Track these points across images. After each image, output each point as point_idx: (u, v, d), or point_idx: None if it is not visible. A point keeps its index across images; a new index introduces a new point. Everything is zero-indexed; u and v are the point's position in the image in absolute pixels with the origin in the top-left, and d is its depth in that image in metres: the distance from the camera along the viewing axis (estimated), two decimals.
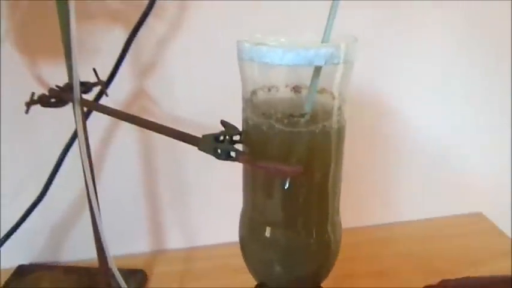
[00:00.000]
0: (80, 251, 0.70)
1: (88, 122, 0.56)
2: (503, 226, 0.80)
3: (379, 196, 0.81)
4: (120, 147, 0.69)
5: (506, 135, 0.80)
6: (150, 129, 0.43)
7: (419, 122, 0.77)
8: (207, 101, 0.66)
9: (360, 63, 0.39)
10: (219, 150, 0.37)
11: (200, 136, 0.39)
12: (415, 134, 0.77)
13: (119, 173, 0.70)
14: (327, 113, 0.37)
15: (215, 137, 0.38)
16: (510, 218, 0.81)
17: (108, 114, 0.48)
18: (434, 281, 0.67)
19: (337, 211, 0.41)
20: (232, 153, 0.37)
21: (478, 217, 0.84)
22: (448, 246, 0.76)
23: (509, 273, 0.56)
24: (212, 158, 0.37)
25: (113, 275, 0.55)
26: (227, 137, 0.38)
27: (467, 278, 0.34)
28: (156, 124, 0.43)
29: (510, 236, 0.79)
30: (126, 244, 0.74)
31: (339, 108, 0.37)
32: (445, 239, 0.78)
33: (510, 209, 0.82)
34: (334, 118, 0.36)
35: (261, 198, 0.39)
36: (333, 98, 0.38)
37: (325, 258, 0.40)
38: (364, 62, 0.44)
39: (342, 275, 0.43)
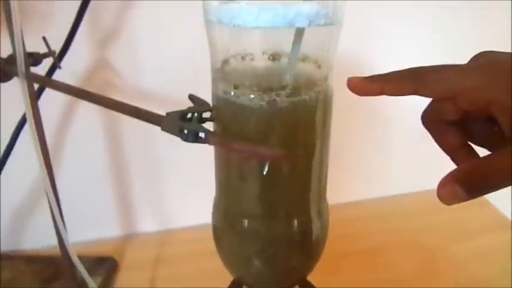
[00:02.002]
0: (42, 237, 0.64)
1: (44, 98, 0.50)
2: (492, 198, 0.77)
3: (365, 170, 0.77)
4: (83, 124, 0.62)
5: None
6: (107, 106, 0.38)
7: None
8: (176, 70, 0.59)
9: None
10: (185, 131, 0.32)
11: (164, 114, 0.33)
12: (401, 105, 0.72)
13: (82, 152, 0.64)
14: (311, 84, 0.31)
15: (181, 115, 0.33)
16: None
17: (60, 91, 0.42)
18: (423, 257, 0.65)
19: (323, 197, 0.36)
20: (201, 134, 0.31)
21: None
22: (436, 221, 0.73)
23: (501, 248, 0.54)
24: None
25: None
26: (195, 114, 0.33)
27: None
28: (113, 101, 0.37)
29: (499, 208, 0.76)
30: (95, 229, 0.69)
31: (326, 78, 0.32)
32: (433, 213, 0.75)
33: None
34: (320, 89, 0.31)
35: (236, 185, 0.33)
36: (318, 66, 0.33)
37: (310, 250, 0.36)
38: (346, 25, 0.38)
39: (327, 254, 0.38)
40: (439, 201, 0.30)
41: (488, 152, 0.27)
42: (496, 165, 0.24)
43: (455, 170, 0.25)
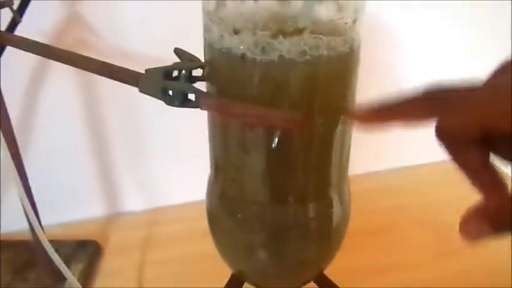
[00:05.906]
0: (17, 220, 0.59)
1: (7, 64, 0.43)
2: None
3: (375, 140, 0.71)
4: (57, 91, 0.56)
5: None
6: (75, 65, 0.31)
7: (422, 61, 0.66)
8: (162, 25, 0.53)
9: None
10: (170, 92, 0.25)
11: (143, 71, 0.26)
12: (416, 71, 0.67)
13: (57, 123, 0.58)
14: (333, 31, 0.24)
15: (165, 72, 0.26)
16: None
17: (19, 48, 0.34)
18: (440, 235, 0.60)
19: (344, 176, 0.29)
20: (191, 96, 0.24)
21: None
22: (452, 194, 0.68)
23: None
24: None
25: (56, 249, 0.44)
26: (183, 71, 0.26)
27: None
28: (82, 58, 0.30)
29: None
30: (75, 209, 0.64)
31: (351, 25, 0.25)
32: (449, 186, 0.70)
33: None
34: (345, 38, 0.24)
35: (236, 162, 0.27)
36: (340, 9, 0.25)
37: (329, 240, 0.29)
38: None
39: None
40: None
41: None
42: None
43: (481, 205, 0.23)
